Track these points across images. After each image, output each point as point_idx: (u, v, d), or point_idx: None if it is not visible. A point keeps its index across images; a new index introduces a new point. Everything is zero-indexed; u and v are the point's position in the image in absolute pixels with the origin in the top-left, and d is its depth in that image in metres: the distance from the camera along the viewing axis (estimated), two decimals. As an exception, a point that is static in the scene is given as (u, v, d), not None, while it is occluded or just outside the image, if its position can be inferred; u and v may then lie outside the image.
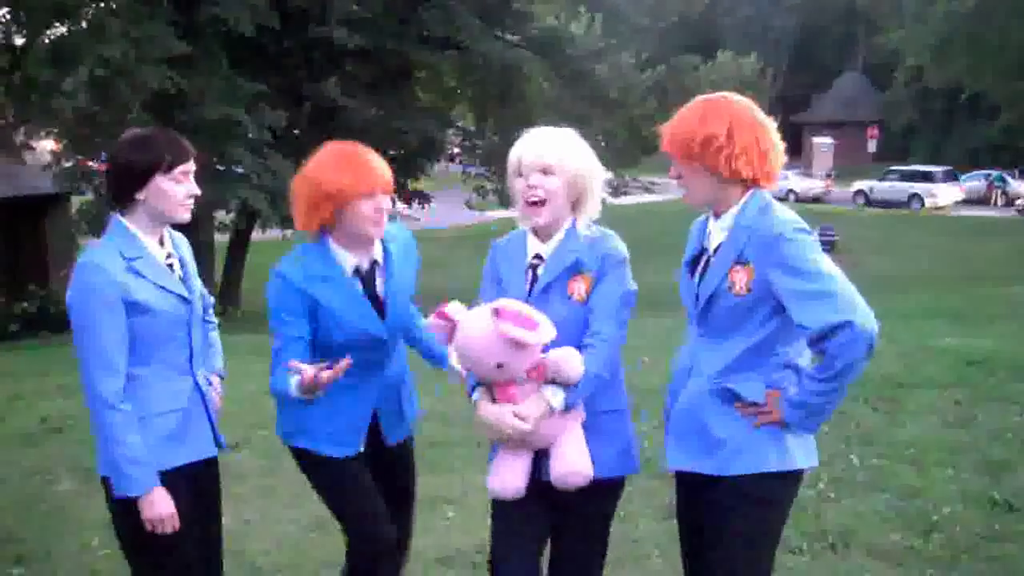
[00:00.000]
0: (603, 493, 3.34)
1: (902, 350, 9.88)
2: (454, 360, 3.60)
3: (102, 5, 19.21)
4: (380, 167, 3.48)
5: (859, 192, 45.86)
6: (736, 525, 3.09)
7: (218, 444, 3.53)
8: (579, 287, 3.27)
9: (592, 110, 29.98)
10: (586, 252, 3.29)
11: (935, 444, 6.72)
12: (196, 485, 3.41)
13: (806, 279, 2.94)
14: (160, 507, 3.19)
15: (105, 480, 3.24)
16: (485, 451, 6.70)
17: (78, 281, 3.17)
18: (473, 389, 3.31)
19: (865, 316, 2.90)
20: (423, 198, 26.91)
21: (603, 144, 33.28)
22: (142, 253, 3.26)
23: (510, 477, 3.24)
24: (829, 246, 33.56)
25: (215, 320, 3.80)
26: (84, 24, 19.07)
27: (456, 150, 34.22)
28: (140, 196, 3.25)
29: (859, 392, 7.90)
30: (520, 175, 3.32)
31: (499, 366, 3.11)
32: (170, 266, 3.36)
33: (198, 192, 3.37)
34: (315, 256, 3.52)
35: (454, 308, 3.22)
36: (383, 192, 3.47)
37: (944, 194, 43.69)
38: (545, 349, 3.17)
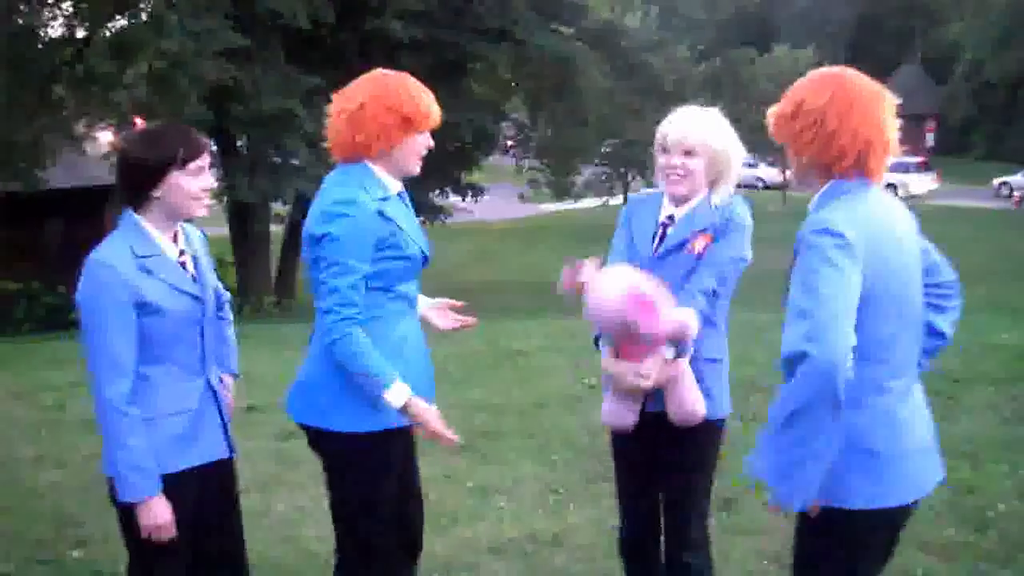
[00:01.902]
0: (706, 431, 3.56)
1: (958, 345, 9.77)
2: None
3: (162, -3, 19.45)
4: (436, 105, 3.45)
5: None
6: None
7: (230, 447, 3.43)
8: (699, 243, 3.50)
9: (646, 103, 29.95)
10: (714, 217, 3.52)
11: (991, 440, 6.64)
12: (207, 487, 3.32)
13: (798, 291, 2.64)
14: (157, 515, 3.11)
15: (110, 479, 3.17)
16: (536, 442, 6.83)
17: (88, 279, 3.08)
18: (598, 336, 3.54)
19: (827, 349, 2.52)
20: (476, 191, 26.95)
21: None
22: (155, 251, 3.17)
23: (623, 413, 3.52)
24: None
25: (230, 317, 3.66)
26: (144, 17, 19.31)
27: (510, 143, 34.32)
28: (156, 194, 3.14)
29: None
30: (664, 151, 3.52)
31: (624, 326, 3.31)
32: (183, 264, 3.25)
33: (214, 185, 3.27)
34: (368, 178, 3.38)
35: (587, 272, 3.38)
36: (433, 130, 3.47)
37: (917, 184, 45.19)
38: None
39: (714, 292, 3.49)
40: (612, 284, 3.30)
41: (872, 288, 2.66)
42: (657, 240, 3.57)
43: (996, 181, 44.26)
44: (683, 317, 3.35)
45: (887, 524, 2.83)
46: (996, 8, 40.24)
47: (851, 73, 2.84)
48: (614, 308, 3.28)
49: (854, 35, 65.59)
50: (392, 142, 3.35)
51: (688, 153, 3.48)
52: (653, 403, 3.50)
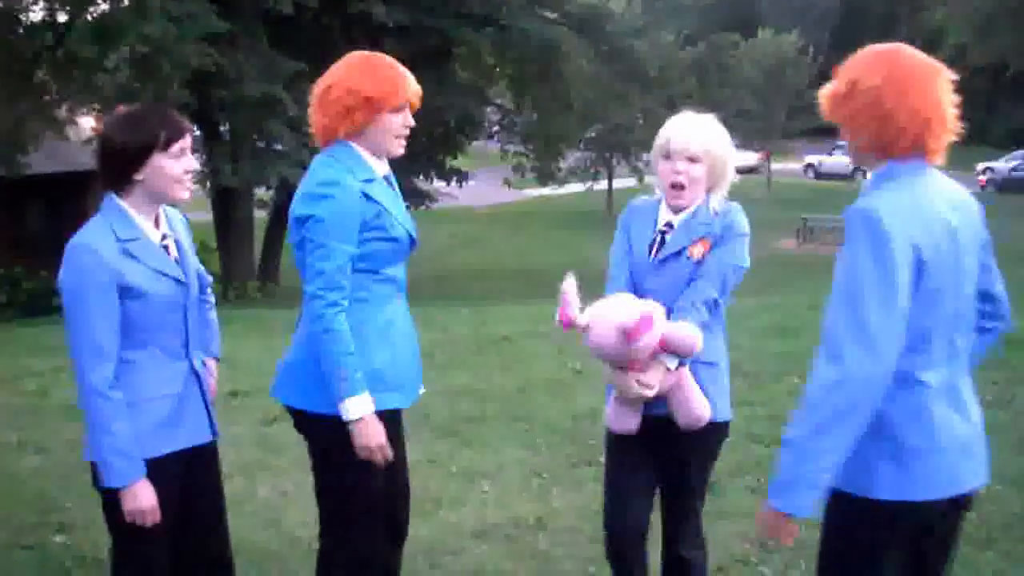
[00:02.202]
0: (709, 433, 3.57)
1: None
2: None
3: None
4: (412, 81, 3.43)
5: (809, 166, 48.97)
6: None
7: (213, 431, 3.41)
8: (698, 249, 3.52)
9: (631, 88, 29.91)
10: (713, 224, 3.54)
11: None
12: (190, 471, 3.31)
13: (840, 286, 2.57)
14: (142, 500, 3.09)
15: (93, 464, 3.16)
16: (520, 426, 6.84)
17: (70, 263, 3.06)
18: None
19: (868, 359, 2.47)
20: (461, 176, 26.91)
21: (641, 122, 33.20)
22: (137, 235, 3.14)
23: (627, 418, 3.54)
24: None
25: (212, 299, 3.64)
26: (126, 1, 19.19)
27: (495, 128, 34.26)
28: (138, 177, 3.11)
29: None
30: (667, 157, 3.53)
31: (630, 358, 3.40)
32: (165, 247, 3.23)
33: (196, 168, 3.26)
34: (354, 160, 3.39)
35: (583, 317, 3.39)
36: (412, 108, 3.45)
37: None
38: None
39: (715, 301, 3.51)
40: (609, 334, 3.33)
41: (913, 276, 2.56)
42: (656, 246, 3.58)
43: (980, 166, 44.45)
44: (688, 332, 3.38)
45: (913, 518, 2.67)
46: (979, -7, 40.35)
47: (906, 49, 2.75)
48: (615, 353, 3.36)
49: (839, 20, 65.61)
50: (357, 123, 3.35)
51: (691, 160, 3.51)
52: (657, 407, 3.51)
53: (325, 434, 3.45)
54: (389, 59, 3.44)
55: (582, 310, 3.40)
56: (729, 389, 3.71)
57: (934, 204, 2.65)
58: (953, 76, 2.72)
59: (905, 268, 2.52)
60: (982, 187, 41.94)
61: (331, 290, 3.27)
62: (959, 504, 2.76)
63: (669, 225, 3.58)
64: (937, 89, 2.66)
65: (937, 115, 2.64)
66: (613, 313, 3.35)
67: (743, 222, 3.59)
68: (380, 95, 3.33)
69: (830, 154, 48.58)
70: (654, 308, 3.37)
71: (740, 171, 3.76)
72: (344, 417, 3.29)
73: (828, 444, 2.52)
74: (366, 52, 3.48)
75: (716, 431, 3.60)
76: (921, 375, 2.63)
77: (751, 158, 48.87)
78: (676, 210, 3.58)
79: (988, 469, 2.83)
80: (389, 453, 3.36)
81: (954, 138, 2.68)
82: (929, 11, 47.36)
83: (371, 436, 3.31)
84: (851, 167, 46.63)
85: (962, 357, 2.76)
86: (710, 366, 3.59)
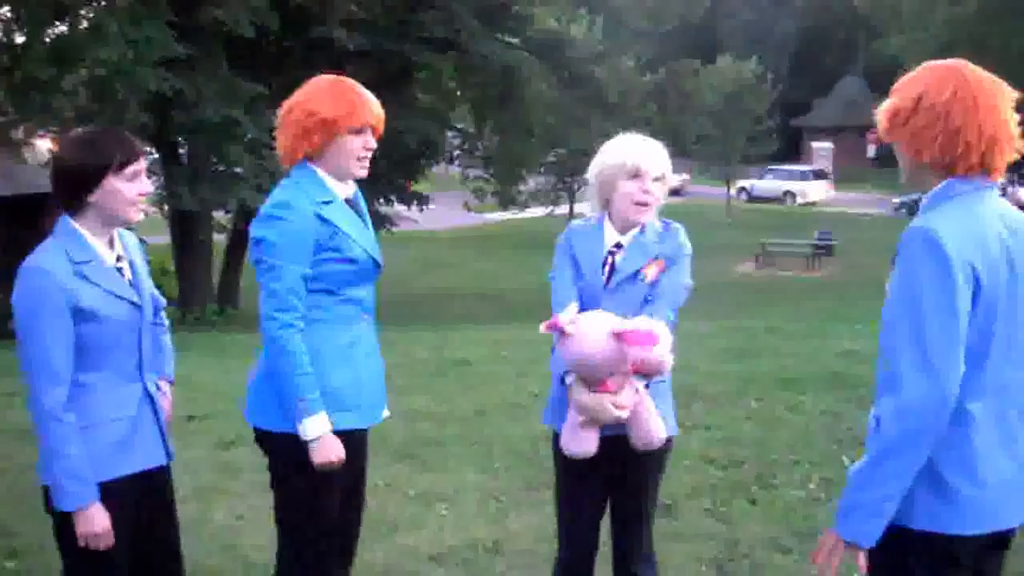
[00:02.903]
0: (660, 449, 3.58)
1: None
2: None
3: (103, 4, 19.25)
4: (374, 104, 3.48)
5: (741, 189, 49.99)
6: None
7: (167, 453, 3.41)
8: (652, 270, 3.55)
9: (591, 113, 30.10)
10: (661, 243, 3.59)
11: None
12: (144, 494, 3.30)
13: (898, 309, 2.54)
14: (95, 523, 3.08)
15: (46, 488, 3.14)
16: (478, 449, 6.84)
17: (24, 285, 3.05)
18: (565, 373, 3.50)
19: (930, 387, 2.45)
20: (421, 200, 26.90)
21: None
22: (91, 256, 3.13)
23: (587, 442, 3.49)
24: (827, 250, 33.72)
25: (166, 323, 3.61)
26: (84, 24, 19.10)
27: (456, 152, 34.34)
28: (92, 198, 3.11)
29: (851, 394, 7.94)
30: (635, 178, 3.55)
31: (610, 373, 3.38)
32: (119, 270, 3.23)
33: (150, 190, 3.26)
34: (312, 182, 3.44)
35: (567, 318, 3.35)
36: (374, 131, 3.49)
37: (813, 191, 50.43)
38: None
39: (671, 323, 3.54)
40: (597, 338, 3.30)
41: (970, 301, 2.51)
42: (607, 268, 3.59)
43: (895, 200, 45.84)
44: (668, 353, 3.39)
45: (950, 552, 2.60)
46: (935, 21, 40.82)
47: (969, 65, 2.67)
48: (602, 360, 3.32)
49: (798, 46, 66.31)
50: (315, 144, 3.41)
51: (657, 180, 3.57)
52: (609, 427, 3.49)
53: (283, 451, 3.46)
54: (353, 83, 3.49)
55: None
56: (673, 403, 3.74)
57: (993, 226, 2.59)
58: (1014, 93, 2.67)
59: (965, 292, 2.48)
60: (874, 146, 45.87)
61: (284, 311, 3.32)
62: (1001, 541, 2.70)
63: (618, 246, 3.59)
64: (1002, 106, 2.61)
65: (1004, 132, 2.61)
66: (602, 321, 3.33)
67: (687, 241, 3.64)
68: (337, 116, 3.38)
69: (761, 178, 49.89)
70: (657, 326, 3.38)
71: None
72: (302, 437, 3.32)
73: (889, 471, 2.51)
74: (332, 76, 3.54)
75: (666, 446, 3.62)
76: (967, 404, 2.55)
77: (675, 179, 49.75)
78: (623, 230, 3.60)
79: None
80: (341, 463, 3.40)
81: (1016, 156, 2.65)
82: (887, 38, 47.87)
83: (329, 453, 3.36)
84: (782, 191, 49.59)
85: (1013, 389, 2.66)
86: (660, 383, 3.62)
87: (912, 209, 43.37)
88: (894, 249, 2.61)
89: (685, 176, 50.05)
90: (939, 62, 2.71)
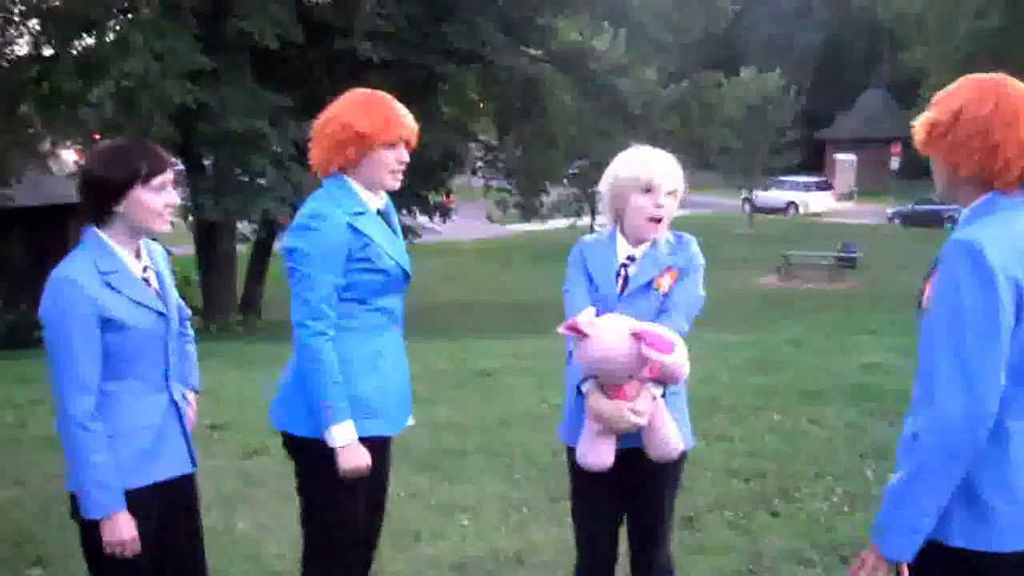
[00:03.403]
0: (676, 461, 3.60)
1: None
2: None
3: (129, 17, 19.39)
4: (408, 118, 3.55)
5: (746, 199, 49.60)
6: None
7: (192, 462, 3.44)
8: (666, 281, 3.56)
9: (614, 125, 30.05)
10: (674, 254, 3.61)
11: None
12: (169, 502, 3.34)
13: (941, 321, 2.52)
14: (122, 531, 3.12)
15: (72, 495, 3.18)
16: (500, 460, 6.84)
17: (52, 296, 3.09)
18: (582, 381, 3.51)
19: (968, 403, 2.44)
20: (444, 211, 26.93)
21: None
22: (118, 267, 3.18)
23: (605, 453, 3.49)
24: (851, 263, 33.56)
25: (191, 333, 3.68)
26: (111, 36, 19.25)
27: (478, 163, 34.34)
28: (119, 209, 3.15)
29: (874, 407, 7.92)
30: (647, 192, 3.56)
31: (629, 376, 3.38)
32: (146, 280, 3.28)
33: (177, 202, 3.32)
34: (345, 193, 3.50)
35: (585, 319, 3.35)
36: (407, 144, 3.56)
37: (816, 201, 50.89)
38: None
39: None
40: (616, 339, 3.30)
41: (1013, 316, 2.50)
42: (621, 280, 3.59)
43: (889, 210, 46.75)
44: (684, 360, 3.39)
45: (983, 569, 2.58)
46: (959, 34, 40.70)
47: (1009, 79, 2.65)
48: (621, 362, 3.31)
49: (821, 59, 66.14)
50: (350, 157, 3.48)
51: (669, 194, 3.58)
52: (626, 439, 3.50)
53: (308, 456, 3.53)
54: (387, 96, 3.56)
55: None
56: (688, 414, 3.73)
57: None
58: None
59: (1008, 307, 2.47)
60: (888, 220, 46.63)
61: (316, 319, 3.39)
62: None
63: (631, 258, 3.60)
64: None
65: None
66: (621, 322, 3.34)
67: (700, 253, 3.65)
68: (372, 131, 3.45)
69: (765, 189, 49.81)
70: (674, 335, 3.38)
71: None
72: (329, 443, 3.38)
73: (925, 487, 2.51)
74: (367, 89, 3.61)
75: (681, 459, 3.63)
76: (1007, 422, 2.54)
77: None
78: (633, 242, 3.61)
79: None
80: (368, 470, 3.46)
81: None
82: (910, 50, 47.72)
83: (356, 460, 3.42)
84: (785, 202, 49.99)
85: None
86: (675, 395, 3.61)
87: (906, 219, 45.43)
88: (918, 262, 2.60)
89: (793, 199, 51.20)
90: (979, 76, 2.69)
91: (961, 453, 2.47)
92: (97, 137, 17.53)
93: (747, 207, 50.51)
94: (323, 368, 3.39)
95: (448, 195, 26.84)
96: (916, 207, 46.89)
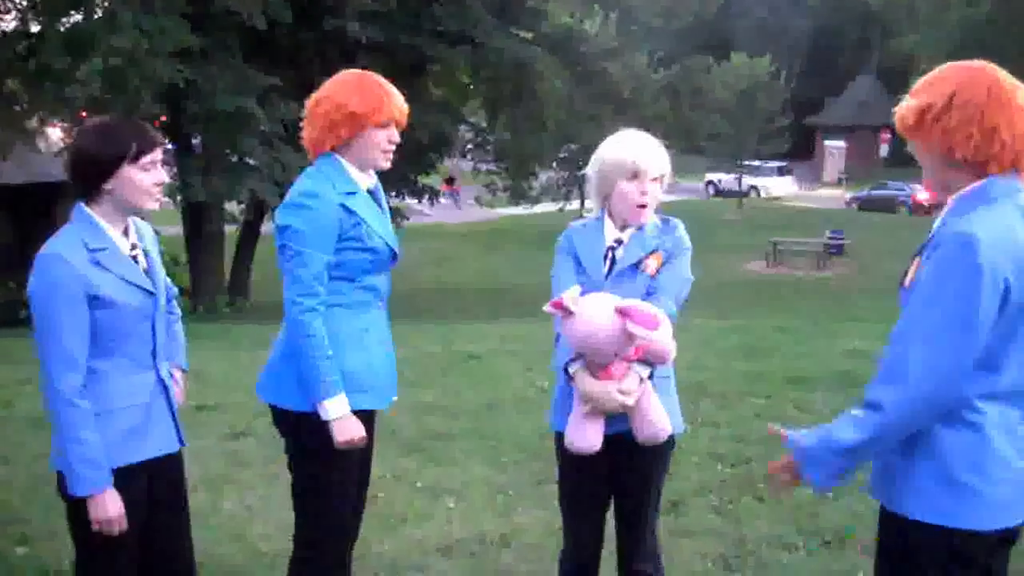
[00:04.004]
0: (664, 445, 3.60)
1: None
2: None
3: (118, -6, 19.30)
4: (399, 99, 3.59)
5: (709, 183, 51.67)
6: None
7: (180, 440, 3.45)
8: (652, 263, 3.57)
9: (604, 109, 30.07)
10: (660, 237, 3.62)
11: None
12: (156, 480, 3.34)
13: (923, 302, 2.57)
14: (109, 509, 3.11)
15: (59, 474, 3.18)
16: (486, 443, 6.86)
17: (40, 273, 3.08)
18: (569, 362, 3.52)
19: (930, 387, 2.53)
20: (432, 193, 26.92)
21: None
22: (106, 244, 3.17)
23: (593, 436, 3.50)
24: (838, 249, 33.64)
25: (178, 311, 3.67)
26: (99, 13, 19.15)
27: (468, 147, 34.33)
28: (108, 187, 3.15)
29: (860, 393, 7.94)
30: (633, 177, 3.56)
31: (615, 354, 3.38)
32: (134, 258, 3.27)
33: (166, 180, 3.32)
34: (337, 173, 3.55)
35: (570, 297, 3.36)
36: (398, 125, 3.61)
37: (777, 186, 52.45)
38: None
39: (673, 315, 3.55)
40: (602, 316, 3.30)
41: (997, 308, 2.53)
42: (608, 263, 3.61)
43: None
44: (671, 339, 3.39)
45: (961, 548, 2.63)
46: (950, 21, 40.79)
47: (994, 66, 2.67)
48: (606, 339, 3.30)
49: (811, 45, 66.19)
50: (342, 137, 3.52)
51: (655, 180, 3.59)
52: (615, 423, 3.51)
53: (297, 430, 3.58)
54: (379, 78, 3.60)
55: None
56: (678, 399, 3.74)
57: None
58: None
59: (992, 304, 2.51)
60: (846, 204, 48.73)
61: (308, 296, 3.43)
62: (1008, 538, 2.73)
63: (618, 241, 3.62)
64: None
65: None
66: (606, 299, 3.35)
67: (687, 236, 3.67)
68: (365, 111, 3.49)
69: (727, 172, 50.39)
70: (658, 311, 3.37)
71: (719, 193, 3.80)
72: (323, 417, 3.43)
73: (872, 451, 2.66)
74: (358, 70, 3.64)
75: (669, 443, 3.64)
76: (983, 406, 2.61)
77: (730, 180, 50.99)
78: (622, 226, 3.63)
79: None
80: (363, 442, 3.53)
81: None
82: (901, 37, 47.80)
83: (350, 432, 3.47)
84: (747, 186, 50.52)
85: None
86: (665, 379, 3.63)
87: (863, 204, 47.03)
88: (907, 249, 2.61)
89: (754, 183, 51.93)
90: (964, 62, 2.71)
91: (915, 428, 2.59)
92: (84, 116, 17.42)
93: (710, 190, 51.12)
94: (314, 343, 3.42)
95: (451, 182, 26.88)
96: (872, 192, 48.76)
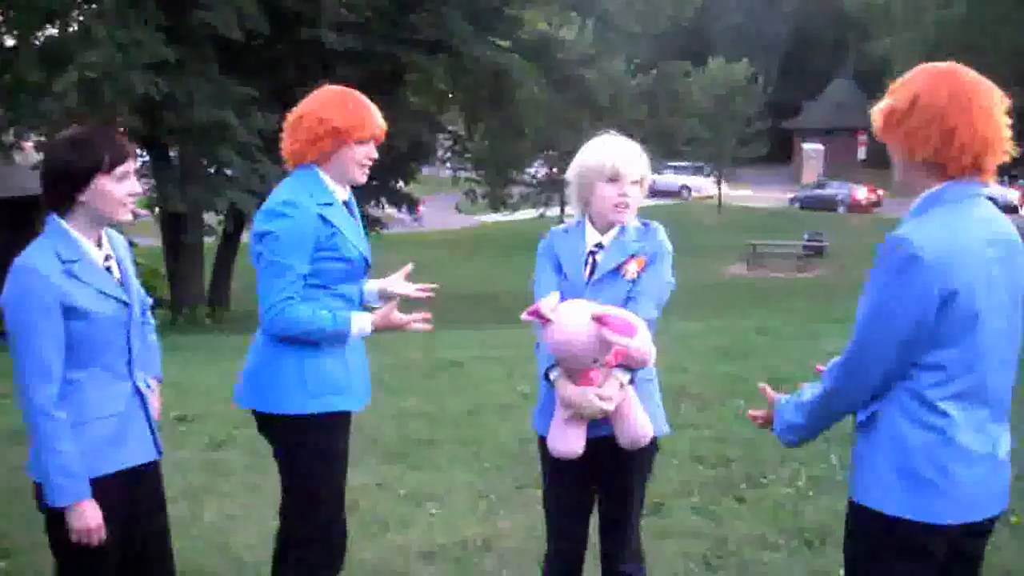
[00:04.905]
0: (646, 448, 3.61)
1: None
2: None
3: (94, 6, 19.21)
4: (379, 116, 3.70)
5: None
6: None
7: (157, 450, 3.44)
8: (633, 267, 3.59)
9: (582, 115, 30.11)
10: (641, 241, 3.63)
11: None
12: (135, 489, 3.34)
13: (861, 301, 2.71)
14: (88, 519, 3.11)
15: (38, 485, 3.18)
16: (468, 450, 6.87)
17: (14, 284, 3.07)
18: (550, 368, 3.54)
19: (852, 383, 2.75)
20: (412, 201, 26.89)
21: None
22: (80, 256, 3.17)
23: (574, 440, 3.51)
24: (818, 252, 33.78)
25: (152, 322, 3.68)
26: (74, 27, 19.08)
27: (447, 154, 34.30)
28: (82, 198, 3.15)
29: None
30: (612, 181, 3.59)
31: (594, 361, 3.39)
32: (108, 269, 3.27)
33: (139, 191, 3.32)
34: (315, 184, 3.63)
35: (548, 304, 3.37)
36: (376, 141, 3.71)
37: (708, 186, 51.85)
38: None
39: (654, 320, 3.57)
40: (579, 324, 3.31)
41: (944, 307, 2.58)
42: (588, 268, 3.63)
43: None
44: (649, 344, 3.40)
45: (921, 540, 2.70)
46: (925, 23, 41.00)
47: (962, 68, 2.73)
48: (584, 346, 3.31)
49: (788, 48, 66.42)
50: (324, 151, 3.62)
51: (635, 183, 3.61)
52: (597, 428, 3.52)
53: (289, 432, 3.66)
54: (359, 94, 3.71)
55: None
56: (661, 402, 3.75)
57: (978, 234, 2.65)
58: (1006, 99, 2.72)
59: (929, 307, 2.58)
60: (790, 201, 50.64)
61: (282, 300, 3.52)
62: (974, 531, 2.78)
63: (599, 246, 3.63)
64: (995, 109, 2.67)
65: (996, 134, 2.67)
66: (583, 307, 3.35)
67: (667, 240, 3.68)
68: (347, 127, 3.60)
69: (660, 173, 50.73)
70: (636, 319, 3.39)
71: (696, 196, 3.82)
72: (362, 333, 3.66)
73: (803, 425, 2.92)
74: (340, 87, 3.75)
75: (652, 446, 3.66)
76: (943, 405, 2.66)
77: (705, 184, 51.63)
78: (601, 229, 3.65)
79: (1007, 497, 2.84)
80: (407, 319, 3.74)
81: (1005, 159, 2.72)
82: (877, 40, 48.03)
83: (392, 323, 3.72)
84: (679, 186, 52.43)
85: (989, 391, 2.73)
86: (648, 382, 3.65)
87: (804, 203, 48.93)
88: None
89: (685, 183, 52.64)
90: (933, 64, 2.77)
91: (836, 418, 2.87)
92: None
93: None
94: (303, 318, 3.52)
95: (418, 206, 26.94)
96: (812, 192, 50.65)
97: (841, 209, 48.01)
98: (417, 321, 3.75)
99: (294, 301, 3.52)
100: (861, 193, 48.81)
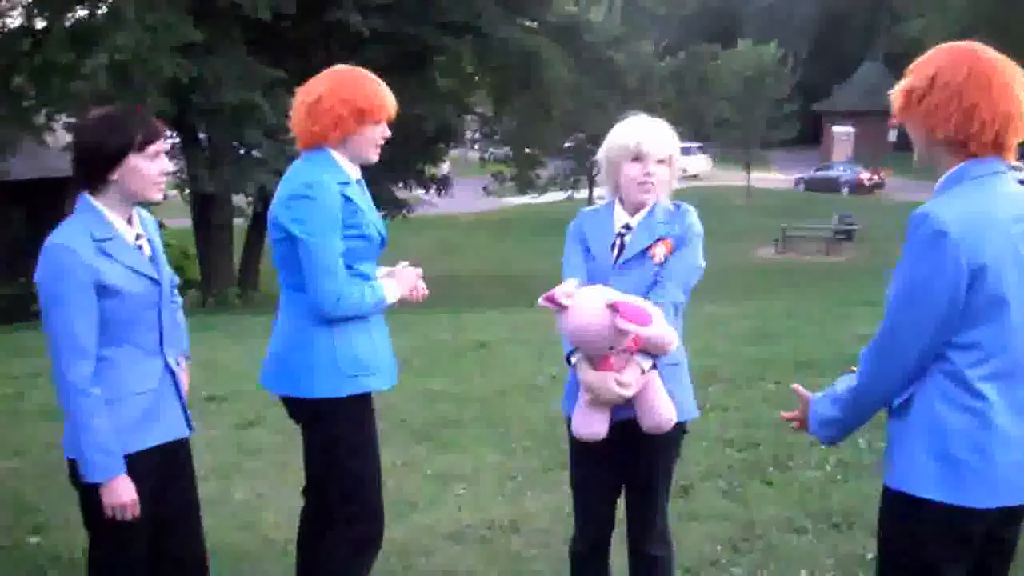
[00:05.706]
0: (672, 432, 3.59)
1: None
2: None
3: (122, -12, 19.30)
4: (391, 94, 3.69)
5: None
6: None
7: (188, 426, 3.48)
8: (660, 251, 3.56)
9: (610, 97, 30.03)
10: (670, 223, 3.59)
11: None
12: (166, 466, 3.37)
13: (893, 283, 2.68)
14: (122, 495, 3.14)
15: (72, 461, 3.21)
16: (496, 431, 6.89)
17: (48, 262, 3.10)
18: (571, 352, 3.54)
19: (881, 367, 2.74)
20: (441, 183, 26.91)
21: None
22: (112, 234, 3.18)
23: (597, 423, 3.51)
24: (848, 235, 33.57)
25: (179, 299, 3.70)
26: (103, 9, 19.17)
27: (475, 136, 34.30)
28: (113, 177, 3.16)
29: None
30: (636, 160, 3.57)
31: (610, 347, 3.38)
32: (139, 247, 3.28)
33: (171, 169, 3.35)
34: (331, 165, 3.62)
35: (564, 291, 3.36)
36: (389, 121, 3.70)
37: (693, 164, 50.72)
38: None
39: (681, 303, 3.56)
40: (594, 311, 3.30)
41: (974, 283, 2.56)
42: (616, 250, 3.61)
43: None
44: (666, 331, 3.38)
45: (960, 524, 2.66)
46: (956, 4, 40.57)
47: (981, 46, 2.71)
48: (599, 334, 3.31)
49: (818, 30, 65.96)
50: (347, 131, 3.58)
51: (660, 162, 3.58)
52: (621, 411, 3.51)
53: (326, 418, 3.65)
54: (370, 73, 3.69)
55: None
56: (691, 386, 3.73)
57: (1004, 211, 2.63)
58: None
59: (960, 282, 2.55)
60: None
61: (340, 285, 3.53)
62: (1014, 514, 2.75)
63: (627, 227, 3.61)
64: (1015, 85, 2.64)
65: (1017, 111, 2.64)
66: (598, 294, 3.35)
67: (699, 223, 3.65)
68: (369, 107, 3.58)
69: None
70: (652, 307, 3.38)
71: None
72: (391, 300, 3.71)
73: (839, 418, 2.91)
74: (348, 66, 3.71)
75: (680, 429, 3.65)
76: (981, 386, 2.63)
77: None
78: (631, 210, 3.62)
79: None
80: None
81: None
82: (908, 22, 47.63)
83: (408, 292, 3.82)
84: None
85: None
86: (674, 366, 3.62)
87: (809, 185, 49.57)
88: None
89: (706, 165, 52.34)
90: (952, 43, 2.75)
91: (884, 396, 2.77)
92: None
93: None
94: (357, 299, 3.56)
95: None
96: (816, 173, 51.00)
97: (845, 190, 48.49)
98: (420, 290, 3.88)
99: (350, 287, 3.53)
100: (864, 174, 49.45)
